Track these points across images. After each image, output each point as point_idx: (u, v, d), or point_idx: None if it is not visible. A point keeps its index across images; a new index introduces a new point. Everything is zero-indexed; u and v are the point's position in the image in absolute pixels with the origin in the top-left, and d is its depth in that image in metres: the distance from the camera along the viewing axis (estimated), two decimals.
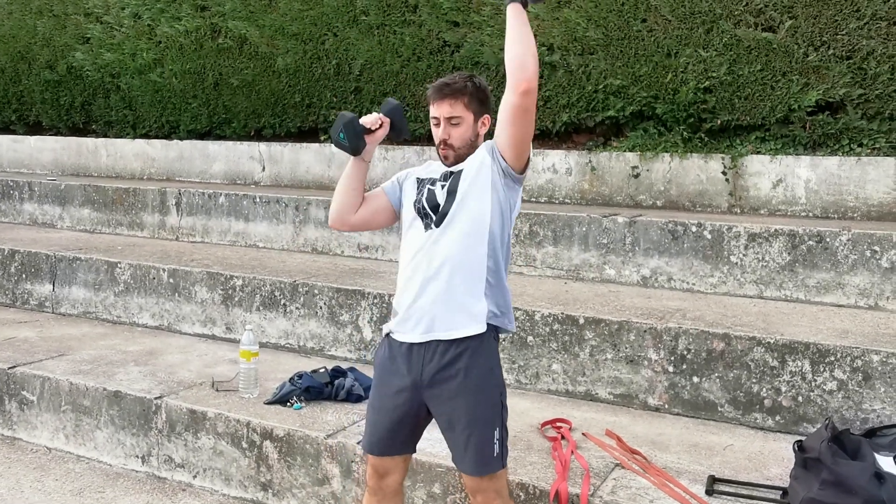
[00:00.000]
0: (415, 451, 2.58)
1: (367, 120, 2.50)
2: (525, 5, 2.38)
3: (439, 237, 2.38)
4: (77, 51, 7.95)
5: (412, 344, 2.38)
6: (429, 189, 2.46)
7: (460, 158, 2.46)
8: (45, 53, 8.22)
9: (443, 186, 2.43)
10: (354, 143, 2.48)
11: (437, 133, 2.46)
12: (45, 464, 3.79)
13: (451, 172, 2.45)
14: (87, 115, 8.22)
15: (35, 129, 8.76)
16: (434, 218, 2.40)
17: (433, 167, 2.56)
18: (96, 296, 5.23)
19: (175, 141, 7.58)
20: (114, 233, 6.57)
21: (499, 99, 2.37)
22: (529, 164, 2.49)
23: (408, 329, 2.40)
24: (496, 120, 2.46)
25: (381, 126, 2.52)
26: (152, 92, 7.61)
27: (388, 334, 2.50)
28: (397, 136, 2.62)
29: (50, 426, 3.96)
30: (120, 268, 5.13)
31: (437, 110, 2.45)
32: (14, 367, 4.12)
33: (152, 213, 6.41)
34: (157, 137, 7.76)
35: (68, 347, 4.50)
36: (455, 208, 2.37)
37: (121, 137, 7.97)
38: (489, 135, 2.55)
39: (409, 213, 2.51)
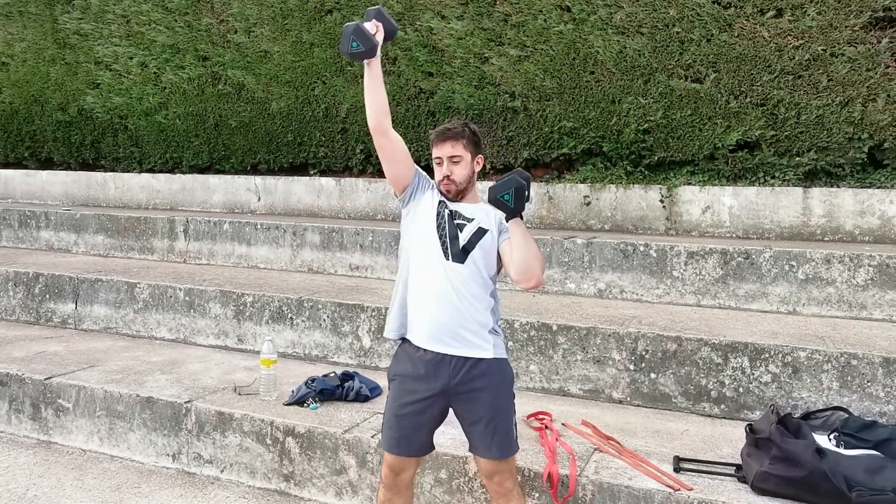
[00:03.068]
0: (433, 449, 2.59)
1: (367, 27, 2.48)
2: (521, 217, 2.40)
3: (459, 270, 2.43)
4: (88, 95, 7.80)
5: (438, 353, 2.41)
6: (449, 221, 2.48)
7: (460, 193, 2.53)
8: (58, 97, 8.04)
9: (461, 227, 2.46)
10: (369, 43, 2.44)
11: (441, 171, 2.52)
12: (81, 464, 3.69)
13: (474, 223, 2.47)
14: (97, 152, 8.04)
15: (46, 164, 8.53)
16: (451, 252, 2.44)
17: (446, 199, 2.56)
18: (117, 313, 5.13)
19: (178, 175, 7.48)
20: (126, 257, 6.44)
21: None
22: None
23: (428, 341, 2.43)
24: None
25: (377, 30, 2.51)
26: (157, 132, 7.51)
27: (402, 342, 2.52)
28: (391, 36, 2.58)
29: (85, 430, 3.87)
30: (139, 287, 5.04)
31: (440, 150, 2.51)
32: (50, 377, 4.01)
33: (162, 239, 6.31)
34: (161, 172, 7.65)
35: (96, 359, 4.40)
36: (474, 255, 2.45)
37: (128, 172, 7.82)
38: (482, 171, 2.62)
39: (428, 230, 2.49)
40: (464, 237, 2.45)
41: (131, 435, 3.73)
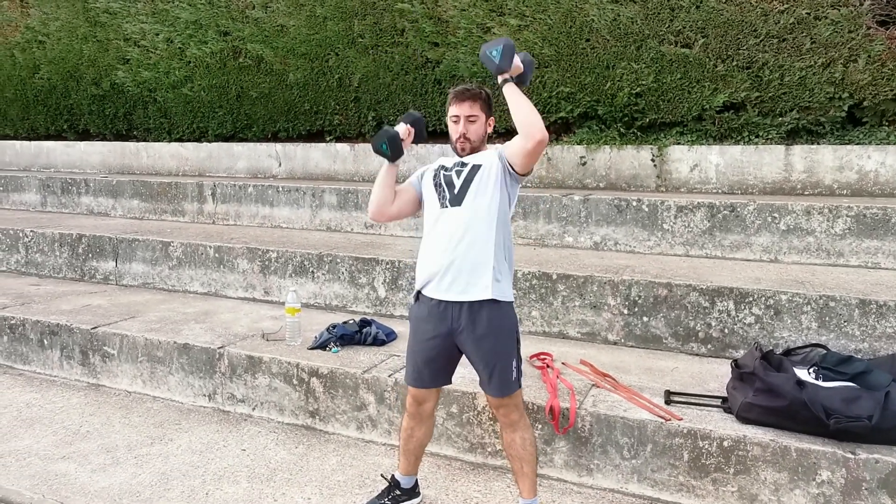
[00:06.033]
0: (450, 382, 2.58)
1: (401, 131, 2.51)
2: (515, 82, 2.35)
3: (458, 213, 2.37)
4: (119, 70, 7.68)
5: (441, 301, 2.38)
6: (445, 174, 2.46)
7: (474, 150, 2.48)
8: (91, 72, 7.92)
9: (458, 173, 2.42)
10: (396, 153, 2.51)
11: (457, 129, 2.45)
12: (127, 404, 3.74)
13: (469, 164, 2.42)
14: (129, 124, 7.96)
15: (83, 135, 8.46)
16: (449, 199, 2.40)
17: (446, 161, 2.53)
18: (153, 269, 5.13)
19: (205, 143, 7.39)
20: (159, 219, 6.42)
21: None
22: (532, 171, 2.51)
23: (435, 290, 2.40)
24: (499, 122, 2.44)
25: (409, 135, 2.55)
26: (184, 103, 7.41)
27: (419, 292, 2.49)
28: (417, 142, 2.64)
29: (129, 374, 3.90)
30: (173, 246, 5.03)
31: (459, 109, 2.44)
32: (96, 327, 4.03)
33: (192, 202, 6.28)
34: (189, 141, 7.56)
35: (136, 311, 4.42)
36: (472, 193, 2.37)
37: (158, 141, 7.74)
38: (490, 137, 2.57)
39: (429, 190, 2.49)
40: (459, 182, 2.41)
41: (171, 378, 3.76)
